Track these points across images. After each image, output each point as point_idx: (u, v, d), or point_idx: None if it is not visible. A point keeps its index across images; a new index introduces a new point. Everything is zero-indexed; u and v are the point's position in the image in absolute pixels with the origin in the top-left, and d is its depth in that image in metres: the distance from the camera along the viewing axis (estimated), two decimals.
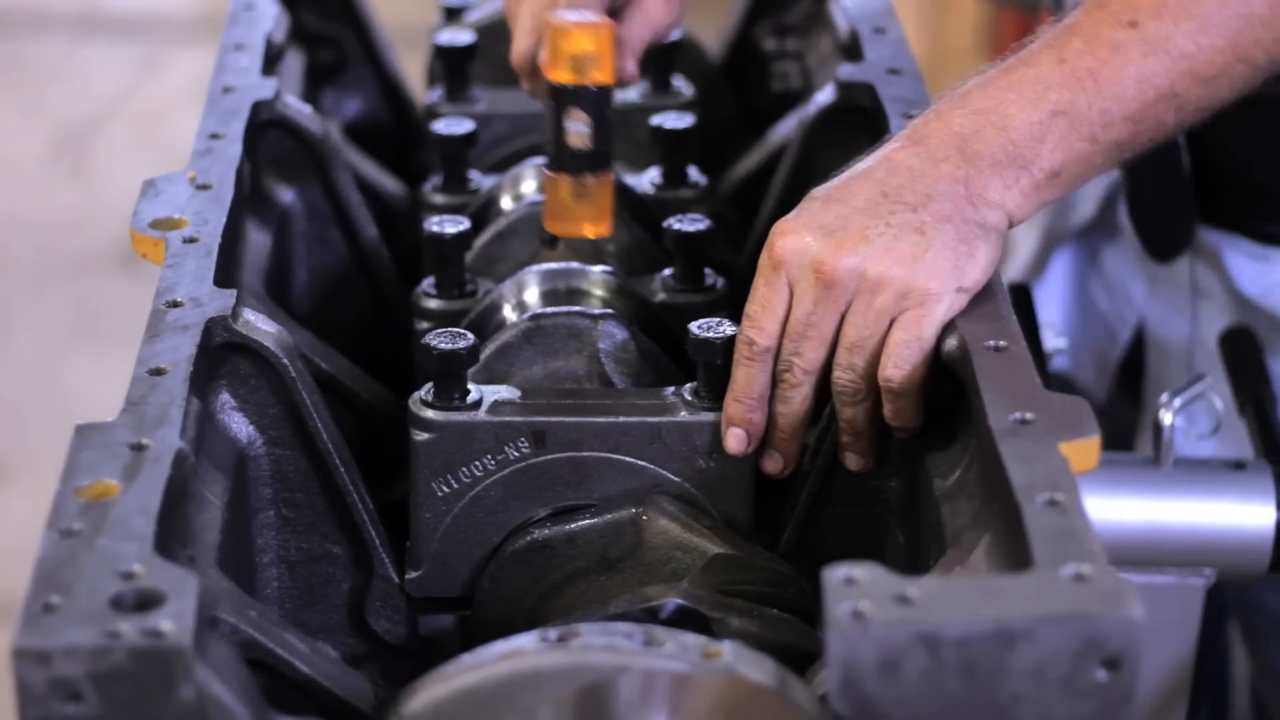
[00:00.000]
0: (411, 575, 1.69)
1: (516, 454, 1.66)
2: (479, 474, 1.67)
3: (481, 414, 1.66)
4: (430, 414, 1.66)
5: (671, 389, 1.70)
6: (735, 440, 1.66)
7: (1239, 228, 2.15)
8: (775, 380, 1.64)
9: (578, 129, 1.77)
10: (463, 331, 1.67)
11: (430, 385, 1.67)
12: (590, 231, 1.80)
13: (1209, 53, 1.61)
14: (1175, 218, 2.01)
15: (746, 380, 1.64)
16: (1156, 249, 2.23)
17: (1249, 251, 2.15)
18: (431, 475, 1.66)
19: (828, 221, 1.61)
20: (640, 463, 1.67)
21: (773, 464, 1.68)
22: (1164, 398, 1.97)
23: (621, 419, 1.67)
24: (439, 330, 1.67)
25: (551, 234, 1.84)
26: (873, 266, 1.58)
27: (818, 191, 1.64)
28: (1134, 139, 1.63)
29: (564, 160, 1.78)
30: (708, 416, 1.67)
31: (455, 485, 1.67)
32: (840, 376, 1.62)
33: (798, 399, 1.64)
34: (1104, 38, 1.62)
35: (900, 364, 1.59)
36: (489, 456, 1.66)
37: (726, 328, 1.67)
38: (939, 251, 1.59)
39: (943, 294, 1.59)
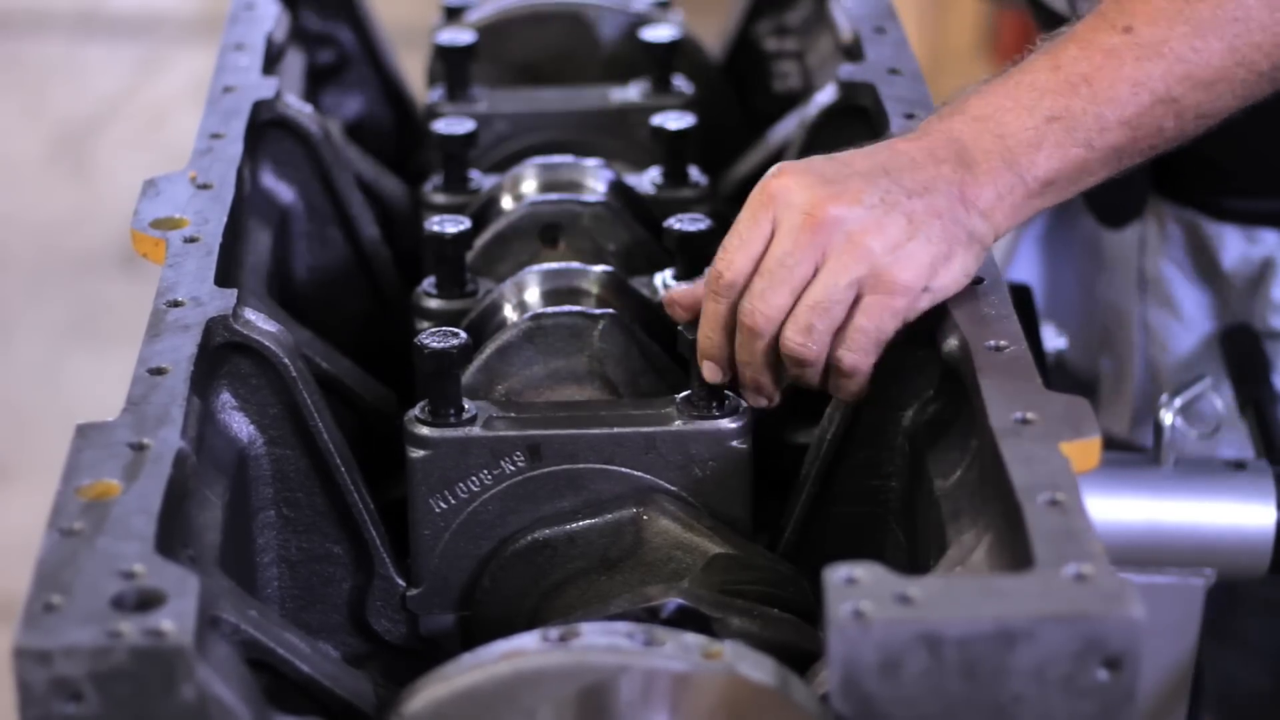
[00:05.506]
0: (413, 593, 1.69)
1: (512, 468, 1.66)
2: (475, 489, 1.67)
3: (476, 429, 1.66)
4: (425, 431, 1.65)
5: (665, 398, 1.69)
6: (710, 371, 1.65)
7: (1192, 202, 2.16)
8: (736, 327, 1.63)
9: None
10: (455, 330, 1.67)
11: (425, 403, 1.67)
12: None
13: (1205, 56, 1.61)
14: (1125, 182, 2.01)
15: (715, 314, 1.64)
16: (1104, 213, 2.22)
17: (1204, 227, 2.15)
18: (429, 492, 1.66)
19: (828, 173, 1.61)
20: (636, 473, 1.67)
21: (756, 399, 1.67)
22: (1164, 398, 1.97)
23: (616, 430, 1.66)
24: (431, 329, 1.67)
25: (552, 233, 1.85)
26: (858, 231, 1.58)
27: (819, 156, 1.65)
28: (1132, 144, 1.63)
29: None
30: (703, 425, 1.67)
31: (453, 501, 1.67)
32: (793, 337, 1.60)
33: (759, 351, 1.63)
34: (1099, 43, 1.62)
35: (854, 349, 1.59)
36: (485, 471, 1.66)
37: None
38: (921, 245, 1.59)
39: (911, 289, 1.59)
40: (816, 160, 1.63)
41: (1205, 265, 2.17)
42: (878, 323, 1.59)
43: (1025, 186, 1.61)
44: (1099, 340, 2.30)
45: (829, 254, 1.59)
